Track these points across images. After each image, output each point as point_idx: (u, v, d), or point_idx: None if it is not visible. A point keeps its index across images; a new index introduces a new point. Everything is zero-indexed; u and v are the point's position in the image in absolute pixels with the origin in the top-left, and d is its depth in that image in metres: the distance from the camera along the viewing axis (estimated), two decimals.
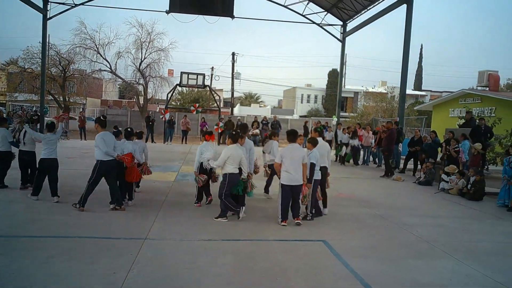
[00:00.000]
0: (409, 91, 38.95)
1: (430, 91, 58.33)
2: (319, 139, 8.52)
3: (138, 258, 5.53)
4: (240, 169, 7.72)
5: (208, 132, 9.13)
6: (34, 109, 30.76)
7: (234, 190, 7.74)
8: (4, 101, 40.76)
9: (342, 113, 35.28)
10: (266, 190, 9.90)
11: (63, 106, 33.22)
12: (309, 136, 9.73)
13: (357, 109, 40.77)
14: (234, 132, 8.03)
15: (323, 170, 8.30)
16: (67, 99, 33.64)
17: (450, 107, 25.19)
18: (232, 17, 24.68)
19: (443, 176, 12.15)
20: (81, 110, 35.61)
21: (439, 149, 14.07)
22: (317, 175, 7.92)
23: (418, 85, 60.05)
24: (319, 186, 8.08)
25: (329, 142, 17.39)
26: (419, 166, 14.99)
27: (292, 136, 7.71)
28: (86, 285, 4.64)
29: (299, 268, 5.48)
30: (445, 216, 9.01)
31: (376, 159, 18.28)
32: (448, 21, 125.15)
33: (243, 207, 7.78)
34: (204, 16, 24.96)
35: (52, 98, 32.72)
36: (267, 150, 9.79)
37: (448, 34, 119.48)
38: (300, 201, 7.62)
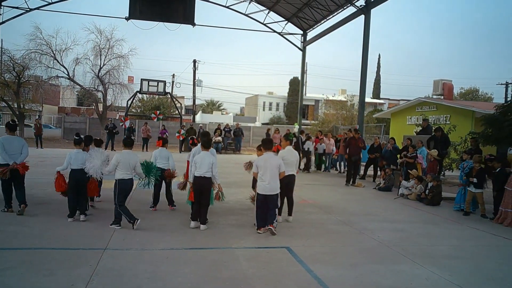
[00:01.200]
0: (368, 99, 39.99)
1: (388, 99, 60.01)
2: (289, 147, 8.69)
3: (97, 269, 5.35)
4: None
5: (163, 139, 9.70)
6: None
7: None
8: None
9: (303, 121, 35.76)
10: None
11: (17, 113, 32.01)
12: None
13: (318, 117, 41.37)
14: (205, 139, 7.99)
15: (291, 178, 8.34)
16: (22, 106, 32.44)
17: (408, 114, 25.99)
18: (193, 24, 24.58)
19: (403, 182, 12.47)
20: (37, 117, 34.42)
21: (398, 155, 14.45)
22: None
23: (376, 94, 61.57)
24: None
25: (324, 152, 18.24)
26: (378, 173, 15.34)
27: (268, 144, 7.75)
28: None
29: (262, 276, 5.46)
30: (404, 221, 9.23)
31: (337, 166, 18.63)
32: (404, 32, 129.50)
33: (138, 220, 7.36)
34: (165, 23, 24.75)
35: (6, 105, 31.49)
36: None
37: (403, 44, 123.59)
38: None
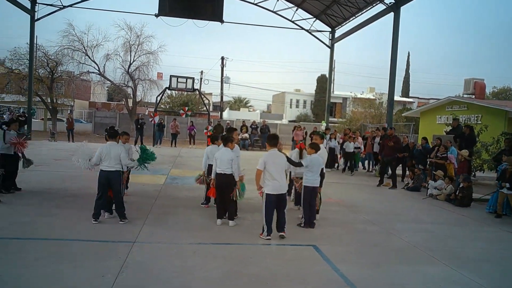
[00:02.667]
0: (397, 97, 39.31)
1: (418, 98, 58.98)
2: (320, 145, 8.34)
3: (127, 262, 5.48)
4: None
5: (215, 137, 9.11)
6: (21, 110, 30.39)
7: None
8: None
9: (331, 119, 35.49)
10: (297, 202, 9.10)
11: (50, 107, 32.89)
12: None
13: (346, 115, 41.01)
14: (225, 135, 7.99)
15: (322, 176, 8.11)
16: (54, 100, 33.31)
17: (437, 114, 25.48)
18: (222, 21, 24.71)
19: (431, 182, 12.26)
20: (69, 112, 35.28)
21: (428, 155, 14.19)
22: (314, 183, 7.76)
23: (405, 92, 60.59)
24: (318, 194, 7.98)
25: (332, 149, 16.91)
26: (407, 172, 15.11)
27: (274, 140, 7.20)
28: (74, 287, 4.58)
29: (289, 273, 5.48)
30: (433, 222, 9.08)
31: (365, 165, 18.43)
32: (435, 29, 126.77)
33: (105, 215, 7.46)
34: (194, 20, 24.95)
35: (40, 100, 32.40)
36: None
37: (434, 42, 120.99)
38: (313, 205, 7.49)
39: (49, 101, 32.85)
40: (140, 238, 6.53)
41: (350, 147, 16.83)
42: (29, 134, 10.11)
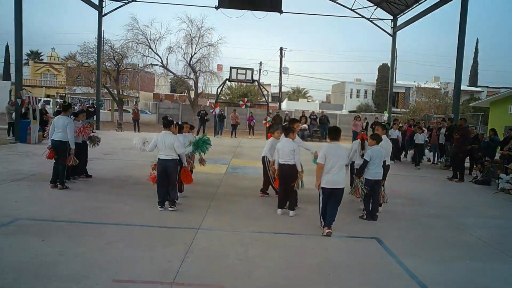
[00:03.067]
0: (464, 87, 37.55)
1: (487, 87, 55.80)
2: (383, 136, 8.05)
3: (192, 248, 5.64)
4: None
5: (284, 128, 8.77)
6: (90, 101, 32.02)
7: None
8: (64, 94, 42.76)
9: (393, 109, 34.45)
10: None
11: (117, 99, 34.37)
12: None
13: (409, 105, 39.65)
14: (286, 126, 7.98)
15: (386, 169, 7.85)
16: (121, 92, 34.77)
17: (510, 103, 23.98)
18: (280, 12, 24.61)
19: (502, 175, 11.61)
20: (134, 103, 36.71)
21: (498, 147, 13.45)
22: (376, 176, 7.51)
23: (473, 81, 57.65)
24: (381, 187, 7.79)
25: (394, 140, 15.55)
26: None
27: (335, 134, 6.90)
28: (143, 272, 4.78)
29: (351, 265, 5.42)
30: (505, 217, 8.61)
31: (430, 157, 17.73)
32: (506, 14, 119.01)
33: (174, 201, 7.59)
34: (253, 11, 25.05)
35: (107, 91, 33.94)
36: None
37: (505, 27, 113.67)
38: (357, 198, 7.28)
39: (115, 92, 34.37)
40: (204, 225, 6.71)
41: (420, 138, 15.96)
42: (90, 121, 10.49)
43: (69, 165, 8.90)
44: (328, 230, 6.54)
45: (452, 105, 20.43)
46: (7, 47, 58.13)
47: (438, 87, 39.03)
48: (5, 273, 4.52)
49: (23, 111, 17.17)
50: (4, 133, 19.08)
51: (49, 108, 24.77)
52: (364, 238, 6.59)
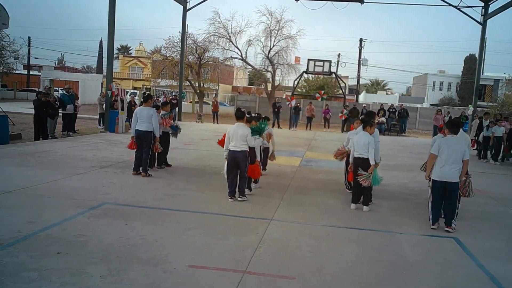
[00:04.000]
0: None
1: None
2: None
3: (264, 238, 5.79)
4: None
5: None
6: (173, 93, 33.45)
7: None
8: (149, 86, 45.08)
9: (479, 102, 32.35)
10: None
11: (198, 91, 35.57)
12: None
13: (497, 99, 36.99)
14: (364, 118, 7.84)
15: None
16: (201, 85, 35.93)
17: None
18: (362, 2, 24.06)
19: None
20: (214, 95, 37.78)
21: None
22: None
23: None
24: None
25: (499, 138, 14.77)
26: None
27: (455, 128, 6.77)
28: (217, 259, 4.99)
29: (427, 264, 5.26)
30: None
31: None
32: None
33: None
34: (333, 2, 24.67)
35: (189, 84, 35.23)
36: None
37: None
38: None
39: (197, 85, 35.57)
40: (276, 216, 6.84)
41: (499, 131, 14.87)
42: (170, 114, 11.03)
43: (155, 153, 9.43)
44: (447, 228, 6.51)
45: None
46: (100, 42, 62.42)
47: None
48: (93, 252, 4.95)
49: (113, 102, 18.40)
50: (96, 122, 20.57)
51: (137, 100, 26.26)
52: (442, 238, 6.35)
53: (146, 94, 10.03)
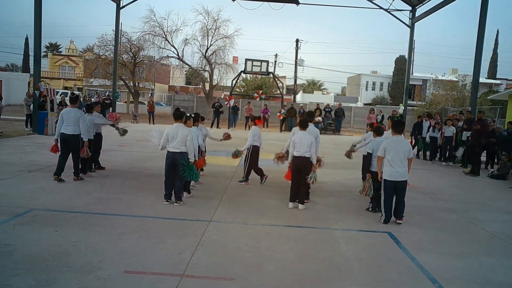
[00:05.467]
0: (482, 79, 36.86)
1: (506, 79, 54.70)
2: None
3: (203, 240, 5.68)
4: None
5: (257, 117, 9.83)
6: (107, 93, 32.33)
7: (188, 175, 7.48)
8: (81, 86, 43.26)
9: (409, 101, 34.04)
10: None
11: (133, 91, 34.61)
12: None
13: (426, 98, 39.10)
14: (303, 119, 7.89)
15: None
16: (136, 84, 35.00)
17: None
18: (297, 3, 24.49)
19: None
20: (150, 95, 36.95)
21: None
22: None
23: (492, 73, 56.52)
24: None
25: (449, 138, 14.71)
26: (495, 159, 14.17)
27: (400, 127, 7.13)
28: (154, 263, 4.84)
29: (362, 259, 5.40)
30: None
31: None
32: None
33: (180, 203, 7.42)
34: (269, 2, 24.90)
35: (123, 83, 34.20)
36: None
37: None
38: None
39: (131, 84, 34.62)
40: (215, 218, 6.75)
41: (449, 131, 14.88)
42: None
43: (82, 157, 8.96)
44: (399, 221, 6.99)
45: (470, 98, 20.09)
46: (26, 39, 58.98)
47: (456, 79, 38.39)
48: (19, 263, 4.61)
49: (42, 103, 17.43)
50: (22, 124, 19.40)
51: (68, 100, 25.09)
52: (376, 232, 6.56)
53: (74, 95, 9.48)
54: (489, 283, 4.93)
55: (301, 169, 7.54)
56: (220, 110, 25.65)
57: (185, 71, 43.64)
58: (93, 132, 9.34)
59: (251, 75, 39.86)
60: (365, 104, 47.17)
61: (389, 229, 6.68)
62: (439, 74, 45.29)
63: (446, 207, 8.46)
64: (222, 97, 35.90)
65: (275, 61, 46.93)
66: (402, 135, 7.14)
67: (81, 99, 23.77)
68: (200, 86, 39.29)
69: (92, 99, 23.60)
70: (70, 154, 8.73)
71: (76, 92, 32.32)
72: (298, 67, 40.81)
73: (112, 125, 10.29)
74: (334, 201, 8.45)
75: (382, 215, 7.07)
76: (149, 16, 32.57)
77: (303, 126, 7.71)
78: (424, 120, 16.59)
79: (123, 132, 10.47)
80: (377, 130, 7.88)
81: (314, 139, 7.65)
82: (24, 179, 8.66)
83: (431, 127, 15.80)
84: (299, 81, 45.21)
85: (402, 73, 44.16)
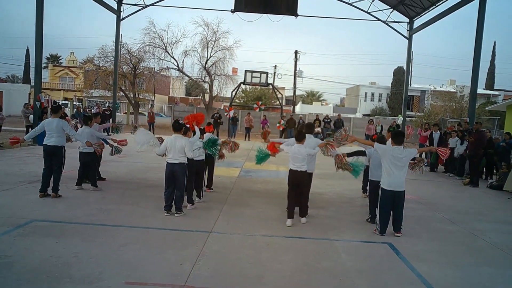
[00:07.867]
0: (480, 90, 37.03)
1: (504, 90, 54.97)
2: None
3: (203, 251, 5.70)
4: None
5: (207, 123, 9.45)
6: (107, 104, 32.40)
7: None
8: (81, 97, 43.38)
9: (408, 112, 34.16)
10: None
11: (133, 102, 34.71)
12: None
13: (424, 109, 39.23)
14: (299, 132, 7.79)
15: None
16: (137, 95, 35.11)
17: None
18: (296, 15, 24.65)
19: None
20: (150, 106, 37.05)
21: None
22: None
23: (490, 84, 56.79)
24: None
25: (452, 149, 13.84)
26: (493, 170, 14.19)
27: (400, 137, 7.05)
28: (155, 274, 4.85)
29: (362, 269, 5.42)
30: None
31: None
32: None
33: (181, 213, 7.47)
34: (268, 15, 25.12)
35: (123, 95, 34.31)
36: None
37: None
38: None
39: (131, 95, 34.72)
40: (216, 228, 6.77)
41: (453, 142, 14.65)
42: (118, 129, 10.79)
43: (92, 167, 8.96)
44: (397, 234, 6.89)
45: (468, 109, 20.18)
46: (27, 50, 59.26)
47: (454, 90, 38.61)
48: (21, 274, 4.63)
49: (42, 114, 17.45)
50: (22, 135, 19.37)
51: (68, 111, 25.16)
52: (376, 243, 6.58)
53: (57, 104, 9.09)
54: None
55: (299, 183, 7.34)
56: (219, 121, 25.72)
57: (185, 82, 43.92)
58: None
59: (250, 86, 40.03)
60: (364, 115, 47.31)
61: (389, 240, 6.70)
62: (437, 85, 45.58)
63: (446, 218, 8.48)
64: (222, 107, 36.02)
65: (274, 72, 47.25)
66: (402, 146, 7.14)
67: (81, 110, 23.88)
68: (200, 97, 39.42)
69: (92, 110, 23.63)
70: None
71: (61, 102, 32.43)
72: (297, 78, 41.05)
73: (105, 141, 9.95)
74: (334, 212, 8.48)
75: (377, 226, 7.00)
76: (149, 27, 32.79)
77: (299, 139, 7.45)
78: (433, 132, 16.26)
79: (116, 151, 10.10)
80: (380, 140, 7.59)
81: (312, 149, 7.54)
82: (25, 190, 8.69)
83: (459, 141, 14.61)
84: (298, 92, 45.50)
85: (400, 84, 44.41)
